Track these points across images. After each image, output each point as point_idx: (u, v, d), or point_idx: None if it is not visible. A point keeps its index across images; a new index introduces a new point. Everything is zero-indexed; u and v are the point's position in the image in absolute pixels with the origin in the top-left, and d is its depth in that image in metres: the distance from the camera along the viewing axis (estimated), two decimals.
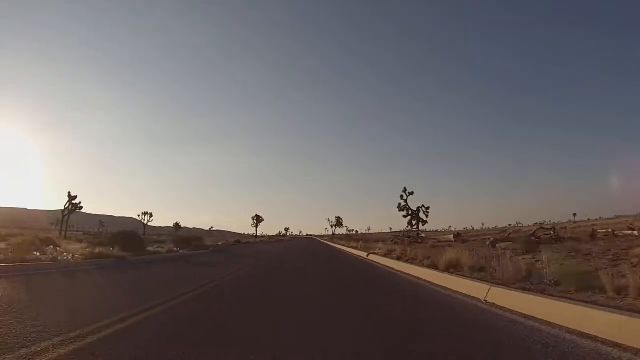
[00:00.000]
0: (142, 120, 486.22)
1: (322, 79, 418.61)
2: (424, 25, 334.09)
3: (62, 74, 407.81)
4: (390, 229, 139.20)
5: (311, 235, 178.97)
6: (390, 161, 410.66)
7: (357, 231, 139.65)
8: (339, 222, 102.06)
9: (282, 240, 70.63)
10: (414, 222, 46.57)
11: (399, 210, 46.44)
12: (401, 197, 46.30)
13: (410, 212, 46.17)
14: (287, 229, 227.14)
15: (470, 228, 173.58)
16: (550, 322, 4.31)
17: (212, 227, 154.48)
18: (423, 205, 46.73)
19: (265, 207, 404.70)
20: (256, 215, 76.69)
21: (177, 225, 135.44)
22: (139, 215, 69.93)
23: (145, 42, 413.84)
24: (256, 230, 77.15)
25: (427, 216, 46.31)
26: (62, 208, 39.59)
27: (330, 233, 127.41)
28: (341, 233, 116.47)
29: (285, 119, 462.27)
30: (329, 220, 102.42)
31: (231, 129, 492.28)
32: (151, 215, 69.19)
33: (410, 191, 46.32)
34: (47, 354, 3.16)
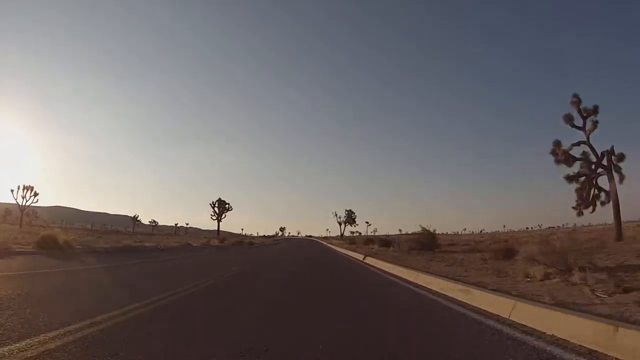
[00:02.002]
0: (137, 118, 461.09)
1: (321, 79, 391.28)
2: (425, 27, 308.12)
3: (58, 69, 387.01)
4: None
5: (310, 236, 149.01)
6: (389, 162, 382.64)
7: (360, 232, 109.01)
8: (350, 218, 72.84)
9: (252, 244, 37.16)
10: (596, 202, 17.27)
11: (559, 162, 16.85)
12: (570, 120, 16.64)
13: (592, 169, 16.50)
14: (282, 229, 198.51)
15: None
16: None
17: (183, 224, 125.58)
18: (612, 150, 17.28)
19: (262, 206, 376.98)
20: (218, 200, 47.67)
21: (135, 219, 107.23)
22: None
23: (144, 40, 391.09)
24: (218, 225, 48.33)
25: (621, 179, 17.09)
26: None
27: (333, 234, 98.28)
28: (347, 234, 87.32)
29: (284, 117, 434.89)
30: (335, 216, 73.41)
31: (228, 128, 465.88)
32: (36, 194, 40.51)
33: (592, 106, 16.52)
34: None
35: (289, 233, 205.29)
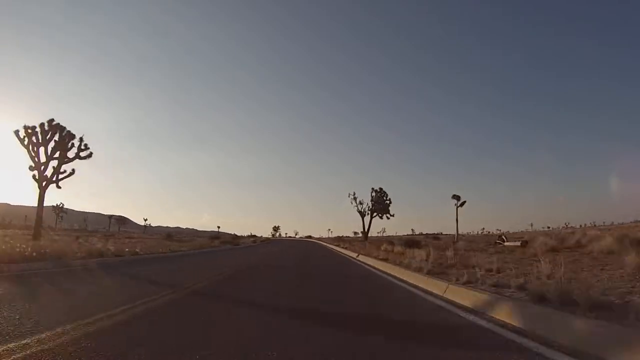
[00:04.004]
0: (133, 119, 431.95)
1: (320, 77, 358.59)
2: (428, 29, 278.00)
3: (57, 69, 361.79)
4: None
5: (310, 237, 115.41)
6: (389, 162, 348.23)
7: (360, 232, 73.96)
8: (380, 204, 40.09)
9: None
10: None
11: None
12: None
13: None
14: (277, 228, 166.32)
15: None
16: None
17: (146, 220, 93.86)
18: None
19: (259, 206, 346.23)
20: (48, 122, 15.39)
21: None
22: None
23: (146, 41, 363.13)
24: (41, 199, 15.78)
25: None
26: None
27: (335, 234, 69.12)
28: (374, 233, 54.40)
29: (280, 113, 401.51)
30: (354, 200, 40.66)
31: (227, 127, 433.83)
32: None
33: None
34: None
35: (286, 233, 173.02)
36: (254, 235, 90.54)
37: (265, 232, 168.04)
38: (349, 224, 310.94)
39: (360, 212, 40.63)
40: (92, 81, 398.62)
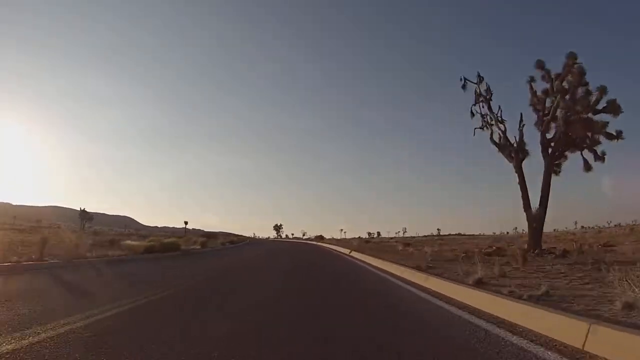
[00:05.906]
0: (136, 118, 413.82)
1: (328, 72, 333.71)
2: (424, 19, 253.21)
3: (60, 68, 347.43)
4: None
5: (322, 237, 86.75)
6: (392, 160, 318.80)
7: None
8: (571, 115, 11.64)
9: None
10: None
11: None
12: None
13: None
14: (278, 227, 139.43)
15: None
16: None
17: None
18: None
19: (269, 205, 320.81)
20: None
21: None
22: None
23: (152, 39, 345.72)
24: None
25: None
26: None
27: (350, 235, 61.76)
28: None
29: (291, 108, 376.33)
30: (486, 111, 12.47)
31: (234, 128, 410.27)
32: None
33: None
34: None
35: (292, 234, 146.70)
36: (226, 234, 62.83)
37: (271, 232, 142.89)
38: (364, 225, 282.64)
39: (505, 144, 12.61)
40: (99, 79, 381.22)
